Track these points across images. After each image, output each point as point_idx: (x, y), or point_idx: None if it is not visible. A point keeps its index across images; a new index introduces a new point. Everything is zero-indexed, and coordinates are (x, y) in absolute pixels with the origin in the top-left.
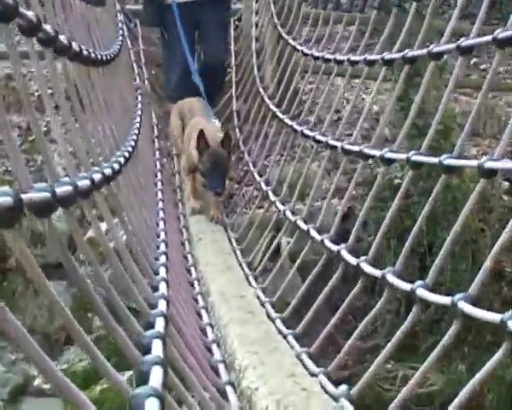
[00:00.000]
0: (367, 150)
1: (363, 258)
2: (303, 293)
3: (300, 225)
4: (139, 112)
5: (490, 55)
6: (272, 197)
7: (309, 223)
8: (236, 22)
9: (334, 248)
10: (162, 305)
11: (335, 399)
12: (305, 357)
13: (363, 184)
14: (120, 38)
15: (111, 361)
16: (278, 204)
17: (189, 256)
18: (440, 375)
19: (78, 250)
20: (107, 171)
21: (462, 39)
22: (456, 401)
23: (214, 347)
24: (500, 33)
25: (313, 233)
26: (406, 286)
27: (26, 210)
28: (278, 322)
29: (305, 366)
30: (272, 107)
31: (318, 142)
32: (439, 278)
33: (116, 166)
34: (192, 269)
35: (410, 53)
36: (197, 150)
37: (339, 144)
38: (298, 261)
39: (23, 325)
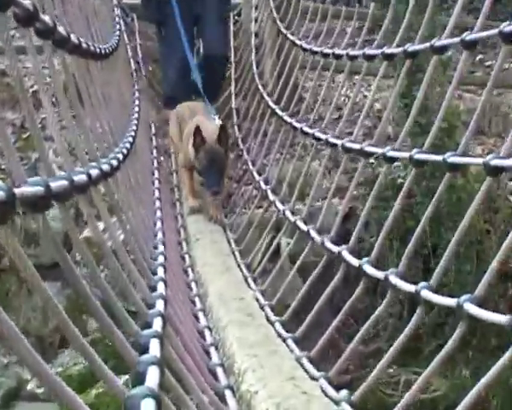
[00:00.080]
0: (368, 148)
1: (365, 259)
2: (303, 295)
3: (300, 225)
4: (137, 108)
5: (496, 51)
6: (272, 197)
7: (309, 223)
8: (236, 17)
9: (335, 249)
10: (160, 305)
11: (336, 403)
12: (305, 361)
13: (364, 183)
14: (118, 32)
15: (108, 364)
16: (278, 204)
17: (187, 257)
18: (444, 380)
19: (74, 249)
20: (105, 167)
21: (466, 33)
22: (461, 407)
23: (212, 350)
24: (506, 27)
25: (313, 234)
26: (410, 288)
27: (20, 205)
28: (278, 325)
29: (305, 370)
30: (271, 104)
31: (318, 139)
32: (442, 279)
33: (114, 162)
34: (189, 270)
35: (411, 47)
36: (193, 147)
37: (339, 142)
38: (298, 263)
39: (17, 327)
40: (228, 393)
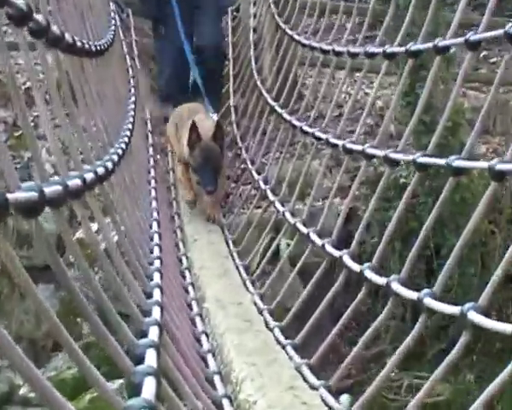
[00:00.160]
0: (370, 150)
1: (366, 265)
2: (303, 299)
3: (300, 228)
4: (132, 105)
5: (500, 48)
6: (271, 197)
7: (310, 224)
8: (234, 13)
9: (336, 253)
10: (156, 312)
11: None
12: (305, 369)
13: (366, 183)
14: (113, 27)
15: (102, 369)
16: (277, 205)
17: (184, 258)
18: (447, 385)
19: (68, 252)
20: (100, 170)
21: (470, 33)
22: None
23: (210, 357)
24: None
25: (314, 237)
26: (412, 295)
27: (13, 211)
28: (277, 331)
29: (305, 379)
30: (270, 101)
31: (318, 139)
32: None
33: (109, 164)
34: (186, 272)
35: (414, 46)
36: (188, 144)
37: (340, 143)
38: (298, 266)
39: (9, 331)
40: (225, 402)
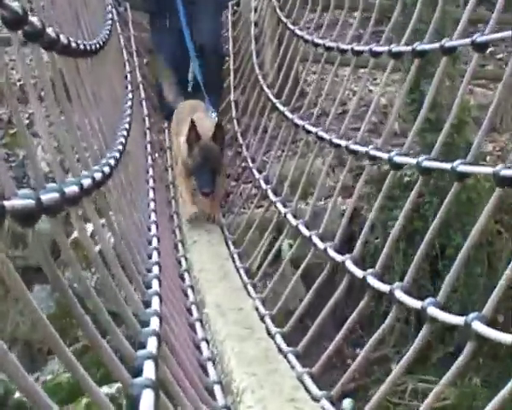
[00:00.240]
0: (374, 152)
1: (369, 271)
2: (306, 304)
3: (302, 230)
4: (130, 103)
5: (507, 44)
6: (272, 197)
7: (312, 224)
8: (235, 7)
9: (339, 258)
10: (155, 323)
11: None
12: (306, 378)
13: (370, 181)
14: (109, 21)
15: (99, 372)
16: (279, 205)
17: (183, 260)
18: (453, 388)
19: (63, 256)
20: (97, 175)
21: (477, 35)
22: None
23: (209, 365)
24: None
25: (316, 240)
26: (416, 304)
27: (9, 218)
28: (278, 338)
29: (306, 389)
30: (272, 97)
31: (321, 139)
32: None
33: (106, 169)
34: (186, 275)
35: (420, 46)
36: (187, 143)
37: (344, 143)
38: (300, 269)
39: (4, 333)
40: None
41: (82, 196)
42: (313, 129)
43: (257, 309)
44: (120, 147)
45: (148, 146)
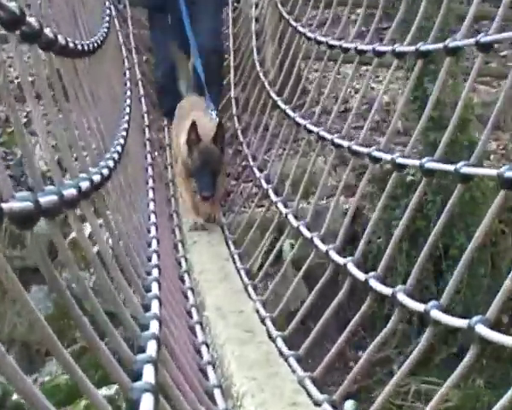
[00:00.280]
0: (376, 153)
1: (371, 274)
2: (307, 306)
3: (304, 232)
4: (128, 101)
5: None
6: (273, 197)
7: (314, 224)
8: (235, 4)
9: (341, 261)
10: (154, 326)
11: None
12: (308, 383)
13: (372, 181)
14: (107, 18)
15: (98, 374)
16: (280, 206)
17: (183, 261)
18: (456, 390)
19: (61, 257)
20: (96, 177)
21: (481, 35)
22: None
23: (210, 369)
24: None
25: (317, 242)
26: (419, 307)
27: (7, 221)
28: (279, 341)
29: (308, 393)
30: (273, 95)
31: (323, 139)
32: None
33: (105, 171)
34: (186, 276)
35: (423, 46)
36: (187, 145)
37: (345, 144)
38: (302, 270)
39: (1, 334)
40: None
41: (80, 198)
42: (315, 129)
43: (257, 312)
44: (119, 148)
45: (148, 144)
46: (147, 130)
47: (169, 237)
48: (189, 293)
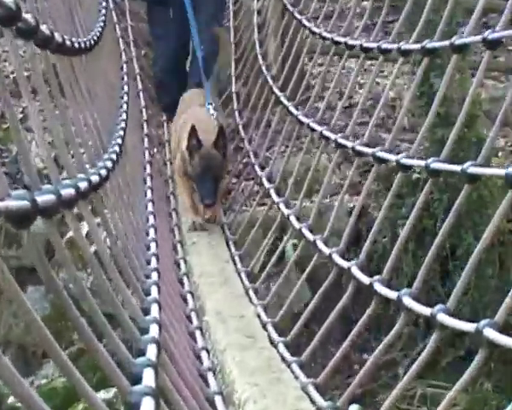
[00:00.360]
0: (381, 154)
1: (376, 277)
2: (311, 309)
3: (306, 234)
4: (126, 97)
5: None
6: (275, 198)
7: (318, 223)
8: None
9: (344, 264)
10: (154, 330)
11: None
12: (311, 389)
13: (377, 178)
14: (103, 10)
15: (96, 376)
16: (282, 207)
17: (182, 263)
18: (464, 394)
19: (58, 256)
20: (94, 178)
21: (489, 31)
22: None
23: (210, 376)
24: None
25: (320, 245)
26: (425, 311)
27: (3, 220)
28: (281, 347)
29: (311, 400)
30: (276, 90)
31: (326, 138)
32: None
33: (103, 171)
34: (185, 279)
35: (429, 44)
36: (187, 150)
37: (349, 144)
38: (306, 271)
39: None
40: None
41: (78, 198)
42: (318, 127)
43: (259, 316)
44: (117, 148)
45: (146, 140)
46: (145, 125)
47: (168, 237)
48: (189, 297)
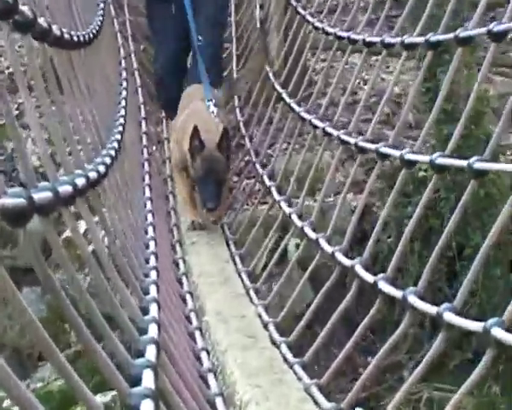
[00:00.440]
0: (384, 150)
1: (380, 276)
2: (313, 309)
3: (308, 233)
4: (124, 92)
5: None
6: (276, 196)
7: (321, 222)
8: None
9: (348, 263)
10: (153, 330)
11: None
12: (314, 390)
13: (381, 176)
14: (102, 4)
15: (94, 380)
16: (283, 205)
17: (181, 262)
18: (471, 397)
19: (55, 256)
20: (92, 174)
21: (494, 23)
22: None
23: (211, 377)
24: None
25: (323, 244)
26: (431, 309)
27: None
28: (284, 348)
29: (314, 401)
30: (278, 87)
31: (329, 135)
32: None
33: (101, 168)
34: (184, 279)
35: (433, 37)
36: (189, 152)
37: (352, 141)
38: (308, 270)
39: None
40: None
41: (76, 195)
42: (320, 124)
43: (260, 316)
44: (116, 144)
45: (144, 137)
46: (143, 122)
47: (166, 237)
48: (188, 297)
